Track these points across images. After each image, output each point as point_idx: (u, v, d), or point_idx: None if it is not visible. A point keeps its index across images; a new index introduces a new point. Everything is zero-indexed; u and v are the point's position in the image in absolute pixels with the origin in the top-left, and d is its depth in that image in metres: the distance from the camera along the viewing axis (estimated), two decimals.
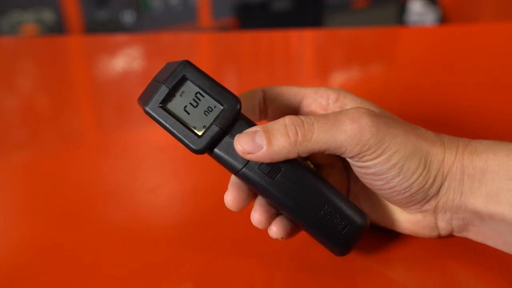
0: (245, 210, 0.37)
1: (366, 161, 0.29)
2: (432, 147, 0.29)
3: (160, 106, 0.30)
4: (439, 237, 0.32)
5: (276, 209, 0.31)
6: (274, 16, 2.87)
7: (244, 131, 0.29)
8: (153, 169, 0.44)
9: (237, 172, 0.30)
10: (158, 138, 0.50)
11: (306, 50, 0.86)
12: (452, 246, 0.32)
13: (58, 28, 2.55)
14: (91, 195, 0.40)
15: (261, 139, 0.29)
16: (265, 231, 0.31)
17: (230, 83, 0.67)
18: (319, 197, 0.30)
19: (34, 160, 0.48)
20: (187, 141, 0.30)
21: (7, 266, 0.32)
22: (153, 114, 0.30)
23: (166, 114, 0.30)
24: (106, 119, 0.59)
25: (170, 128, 0.30)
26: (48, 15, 2.52)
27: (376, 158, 0.29)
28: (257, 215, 0.30)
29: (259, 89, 0.34)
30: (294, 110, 0.34)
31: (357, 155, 0.29)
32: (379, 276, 0.30)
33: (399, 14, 2.88)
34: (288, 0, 2.86)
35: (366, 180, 0.30)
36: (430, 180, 0.29)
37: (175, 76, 0.30)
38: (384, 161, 0.29)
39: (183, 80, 0.30)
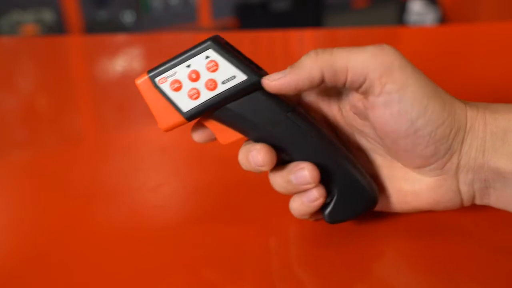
0: (243, 211, 0.37)
1: (390, 92, 0.28)
2: (454, 98, 0.30)
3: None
4: (462, 205, 0.31)
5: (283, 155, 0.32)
6: (274, 16, 2.87)
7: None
8: (153, 169, 0.44)
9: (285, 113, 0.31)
10: (158, 138, 0.50)
11: (306, 50, 0.86)
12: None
13: (58, 28, 2.55)
14: (91, 195, 0.40)
15: (285, 70, 0.30)
16: (265, 230, 0.31)
17: None
18: (334, 158, 0.31)
19: (34, 160, 0.48)
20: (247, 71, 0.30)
21: (7, 266, 0.32)
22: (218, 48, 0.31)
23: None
24: (106, 119, 0.59)
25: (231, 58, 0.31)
26: (48, 15, 2.52)
27: (400, 89, 0.28)
28: (262, 155, 0.30)
29: None
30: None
31: (379, 78, 0.28)
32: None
33: (399, 14, 2.88)
34: (288, 0, 2.86)
35: (390, 126, 0.29)
36: (455, 129, 0.29)
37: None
38: (408, 95, 0.28)
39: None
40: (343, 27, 0.99)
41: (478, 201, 0.31)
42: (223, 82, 0.31)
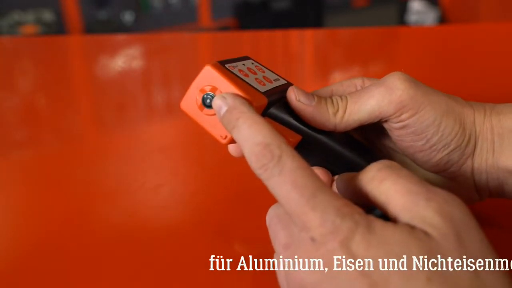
0: (243, 211, 0.37)
1: (405, 119, 0.30)
2: (463, 108, 0.31)
3: None
4: (478, 201, 0.33)
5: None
6: (274, 16, 2.87)
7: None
8: (153, 169, 0.44)
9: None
10: (158, 138, 0.50)
11: (306, 50, 0.86)
12: None
13: (58, 28, 2.55)
14: (91, 195, 0.40)
15: (312, 98, 0.32)
16: (264, 231, 0.31)
17: None
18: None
19: (34, 160, 0.48)
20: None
21: (7, 265, 0.32)
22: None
23: None
24: (106, 119, 0.59)
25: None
26: (48, 15, 2.52)
27: (413, 115, 0.30)
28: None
29: None
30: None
31: (394, 113, 0.30)
32: None
33: (399, 14, 2.88)
34: (288, 0, 2.86)
35: (407, 143, 0.32)
36: (466, 138, 0.31)
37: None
38: (423, 118, 0.30)
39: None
40: (343, 27, 0.99)
41: (493, 196, 0.33)
42: (274, 80, 0.33)
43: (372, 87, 0.31)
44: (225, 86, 0.30)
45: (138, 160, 0.46)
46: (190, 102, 0.31)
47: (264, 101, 0.31)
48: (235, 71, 0.32)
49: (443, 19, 2.74)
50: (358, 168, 0.32)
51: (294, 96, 0.32)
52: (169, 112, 0.59)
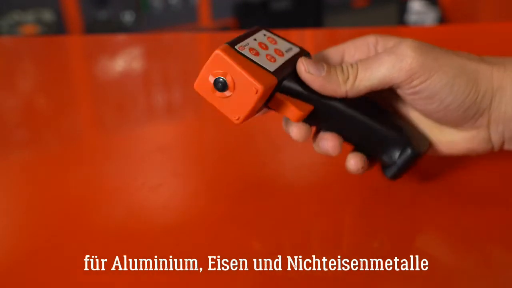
0: (243, 211, 0.37)
1: (416, 85, 0.31)
2: (478, 65, 0.32)
3: None
4: (492, 150, 0.35)
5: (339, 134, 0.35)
6: (274, 16, 2.87)
7: (309, 58, 0.34)
8: (154, 168, 0.44)
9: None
10: (158, 138, 0.50)
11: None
12: None
13: (58, 28, 2.55)
14: (91, 195, 0.40)
15: (322, 68, 0.33)
16: (264, 231, 0.31)
17: None
18: (381, 120, 0.35)
19: (34, 160, 0.48)
20: None
21: (7, 266, 0.32)
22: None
23: None
24: (106, 119, 0.59)
25: None
26: (48, 15, 2.52)
27: (424, 81, 0.31)
28: (331, 143, 0.34)
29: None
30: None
31: (405, 81, 0.31)
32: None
33: (399, 14, 2.88)
34: (288, 0, 2.86)
35: (421, 106, 0.33)
36: (481, 95, 0.32)
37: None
38: (434, 83, 0.31)
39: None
40: (343, 27, 0.99)
41: (506, 147, 0.35)
42: (286, 51, 0.34)
43: (383, 54, 0.32)
44: (235, 71, 0.31)
45: (138, 160, 0.46)
46: (202, 84, 0.32)
47: (274, 81, 0.32)
48: (245, 51, 0.32)
49: (443, 19, 2.74)
50: (373, 130, 0.34)
51: (303, 68, 0.33)
52: (169, 112, 0.59)
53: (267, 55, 0.33)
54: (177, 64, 0.76)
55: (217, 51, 0.31)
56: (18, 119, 0.59)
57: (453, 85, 0.31)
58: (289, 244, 0.33)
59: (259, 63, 0.32)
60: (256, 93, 0.30)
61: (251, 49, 0.32)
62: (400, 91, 0.33)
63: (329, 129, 0.35)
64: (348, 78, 0.32)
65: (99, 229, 0.36)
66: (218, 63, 0.31)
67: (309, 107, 0.33)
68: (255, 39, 0.33)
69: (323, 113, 0.34)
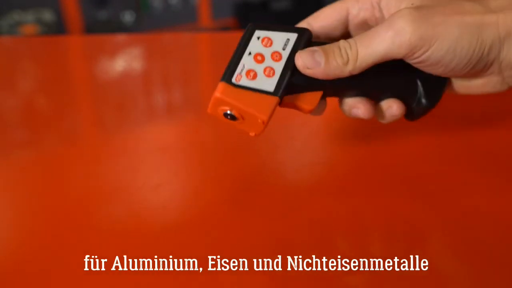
0: (244, 211, 0.37)
1: (419, 57, 0.32)
2: (482, 17, 0.31)
3: None
4: (508, 89, 0.35)
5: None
6: (274, 16, 2.87)
7: (305, 49, 0.33)
8: (154, 168, 0.44)
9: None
10: (159, 138, 0.50)
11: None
12: None
13: (58, 28, 2.55)
14: (92, 194, 0.40)
15: (320, 57, 0.32)
16: (264, 231, 0.31)
17: None
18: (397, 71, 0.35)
19: (34, 160, 0.48)
20: None
21: (7, 265, 0.32)
22: None
23: None
24: (106, 119, 0.59)
25: None
26: (48, 15, 2.52)
27: (426, 52, 0.31)
28: (361, 110, 0.36)
29: (304, 25, 0.37)
30: (344, 25, 0.37)
31: (407, 54, 0.32)
32: None
33: None
34: (288, 0, 2.86)
35: (428, 71, 0.34)
36: (487, 48, 0.32)
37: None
38: (436, 52, 0.31)
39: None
40: None
41: None
42: (283, 49, 0.33)
43: (381, 30, 0.32)
44: (238, 108, 0.32)
45: (138, 160, 0.46)
46: (214, 112, 0.33)
47: (276, 101, 0.32)
48: (243, 80, 0.32)
49: None
50: (390, 82, 0.35)
51: (301, 64, 0.33)
52: (169, 112, 0.59)
53: (265, 69, 0.33)
54: (177, 64, 0.76)
55: (217, 95, 0.32)
56: (18, 119, 0.59)
57: (455, 49, 0.31)
58: (289, 244, 0.33)
59: (259, 88, 0.32)
60: (263, 122, 0.32)
61: (248, 73, 0.33)
62: (405, 60, 0.33)
63: (350, 96, 0.36)
64: (348, 60, 0.32)
65: (99, 229, 0.36)
66: (221, 104, 0.32)
67: (317, 96, 0.34)
68: (249, 53, 0.33)
69: (336, 91, 0.35)
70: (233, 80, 0.32)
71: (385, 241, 0.33)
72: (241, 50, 0.33)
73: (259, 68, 0.33)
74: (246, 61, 0.33)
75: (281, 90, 0.33)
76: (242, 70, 0.33)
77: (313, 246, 0.33)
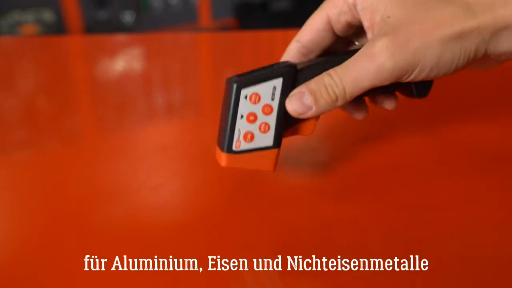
0: (244, 211, 0.37)
1: (406, 80, 0.32)
2: (461, 25, 0.31)
3: None
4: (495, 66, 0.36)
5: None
6: (274, 16, 2.87)
7: (292, 93, 0.33)
8: (154, 168, 0.44)
9: None
10: (158, 138, 0.50)
11: None
12: None
13: (58, 28, 2.55)
14: (92, 195, 0.40)
15: (308, 100, 0.33)
16: (264, 231, 0.31)
17: None
18: None
19: (33, 160, 0.48)
20: None
21: (7, 265, 0.32)
22: None
23: None
24: (106, 119, 0.59)
25: None
26: (48, 15, 2.52)
27: (411, 75, 0.32)
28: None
29: (294, 44, 0.39)
30: (330, 31, 0.37)
31: (393, 81, 0.32)
32: None
33: None
34: (288, 0, 2.86)
35: (423, 80, 0.34)
36: (472, 53, 0.32)
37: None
38: (420, 73, 0.32)
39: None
40: None
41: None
42: (272, 99, 0.33)
43: (364, 63, 0.32)
44: (244, 169, 0.35)
45: (138, 160, 0.46)
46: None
47: (277, 151, 0.34)
48: (242, 145, 0.34)
49: None
50: (379, 91, 0.35)
51: (293, 112, 0.33)
52: (169, 112, 0.59)
53: (260, 126, 0.34)
54: (177, 64, 0.76)
55: (222, 165, 0.34)
56: (18, 119, 0.59)
57: (439, 64, 0.32)
58: (289, 244, 0.33)
59: (259, 147, 0.34)
60: (269, 171, 0.35)
61: (245, 136, 0.34)
62: None
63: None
64: (337, 97, 0.33)
65: (99, 229, 0.36)
66: (230, 167, 0.34)
67: (313, 122, 0.35)
68: (241, 116, 0.33)
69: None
70: (234, 148, 0.34)
71: (385, 241, 0.33)
72: (233, 114, 0.33)
73: (255, 128, 0.34)
74: (241, 125, 0.33)
75: (279, 141, 0.34)
76: (239, 136, 0.34)
77: (313, 246, 0.33)
